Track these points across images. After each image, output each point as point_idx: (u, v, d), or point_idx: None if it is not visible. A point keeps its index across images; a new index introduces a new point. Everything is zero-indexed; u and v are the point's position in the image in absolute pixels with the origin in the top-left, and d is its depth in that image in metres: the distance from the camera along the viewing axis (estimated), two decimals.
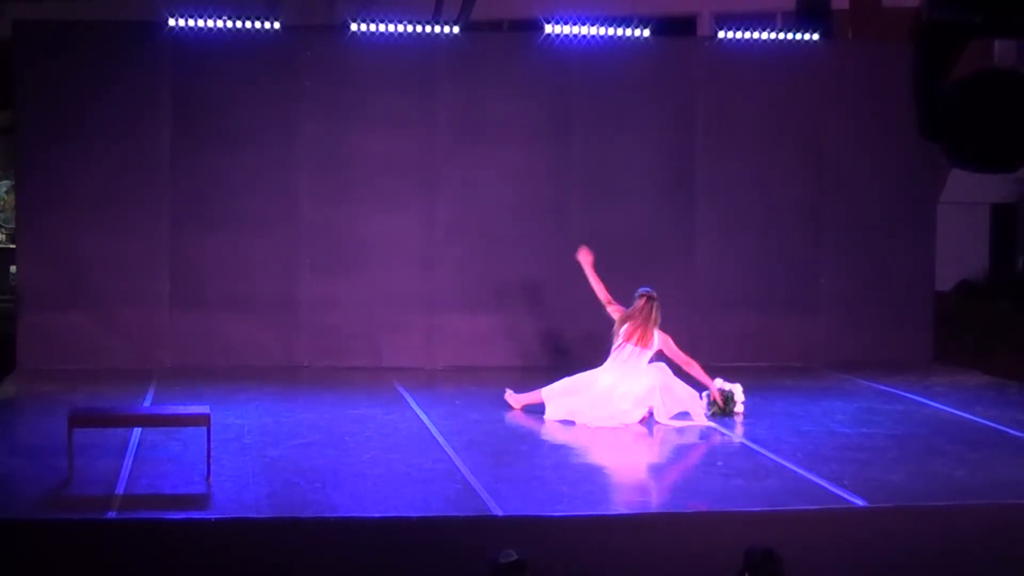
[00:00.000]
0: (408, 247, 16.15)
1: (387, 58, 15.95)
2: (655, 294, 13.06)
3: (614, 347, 13.06)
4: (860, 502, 10.06)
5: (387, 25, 15.89)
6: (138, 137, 15.66)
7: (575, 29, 16.15)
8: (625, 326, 12.98)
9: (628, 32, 16.33)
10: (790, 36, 16.72)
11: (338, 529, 9.37)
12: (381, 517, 9.58)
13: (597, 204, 16.36)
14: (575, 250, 16.34)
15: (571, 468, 11.30)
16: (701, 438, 12.44)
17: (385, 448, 11.71)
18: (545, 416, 12.96)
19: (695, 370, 13.12)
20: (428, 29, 16.05)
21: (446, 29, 16.13)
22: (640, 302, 13.00)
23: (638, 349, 12.94)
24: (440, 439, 12.08)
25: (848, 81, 16.72)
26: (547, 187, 16.36)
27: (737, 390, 13.26)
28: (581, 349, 15.86)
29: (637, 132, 16.43)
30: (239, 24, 15.62)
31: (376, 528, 9.44)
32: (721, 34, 16.59)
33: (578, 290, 16.32)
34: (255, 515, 9.61)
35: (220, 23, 15.59)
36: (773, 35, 16.62)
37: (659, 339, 12.96)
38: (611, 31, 16.27)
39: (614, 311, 13.18)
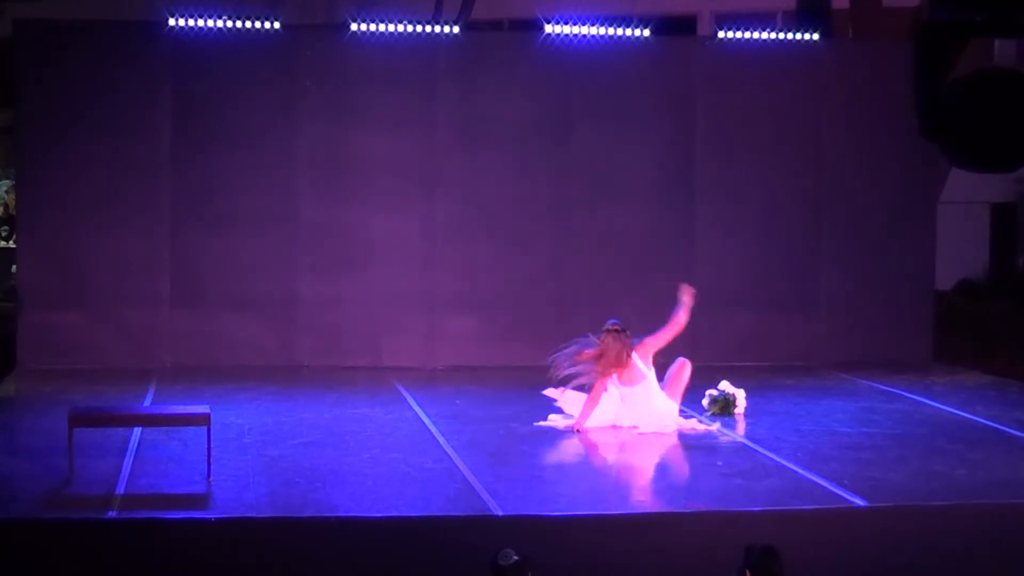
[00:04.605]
0: (408, 247, 16.15)
1: (387, 58, 15.96)
2: (618, 327, 12.52)
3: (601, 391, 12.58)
4: (860, 502, 10.06)
5: (387, 25, 15.89)
6: (138, 137, 15.66)
7: (575, 29, 16.15)
8: (601, 370, 12.44)
9: (628, 32, 16.33)
10: (790, 36, 16.72)
11: (338, 529, 9.37)
12: (381, 517, 9.58)
13: (597, 204, 16.36)
14: (574, 248, 16.41)
15: (571, 468, 11.30)
16: (701, 438, 12.43)
17: (385, 448, 11.71)
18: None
19: (676, 327, 12.64)
20: (428, 29, 16.06)
21: (446, 29, 16.13)
22: (607, 340, 12.43)
23: (627, 388, 12.52)
24: (440, 439, 12.08)
25: (848, 81, 16.72)
26: (547, 187, 16.36)
27: (740, 395, 13.26)
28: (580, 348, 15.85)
29: (637, 132, 16.42)
30: (239, 24, 15.62)
31: (376, 528, 9.44)
32: (721, 34, 16.59)
33: (577, 289, 16.37)
34: (255, 515, 9.61)
35: (220, 23, 15.59)
36: (773, 35, 16.62)
37: (643, 360, 12.51)
38: (611, 31, 16.27)
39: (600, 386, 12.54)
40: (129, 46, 15.73)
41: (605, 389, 12.56)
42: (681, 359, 12.98)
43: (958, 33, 8.70)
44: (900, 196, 16.90)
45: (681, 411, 12.83)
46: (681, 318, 12.68)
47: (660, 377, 12.91)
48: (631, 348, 12.46)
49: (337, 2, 22.97)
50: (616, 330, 12.48)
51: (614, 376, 12.48)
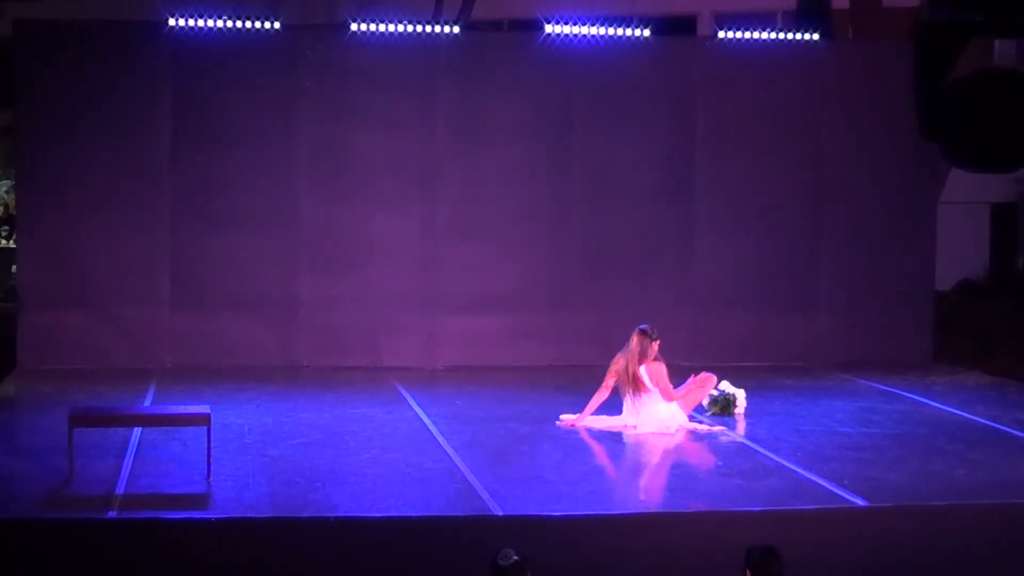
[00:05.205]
0: (408, 247, 16.14)
1: (387, 58, 15.95)
2: (647, 329, 12.55)
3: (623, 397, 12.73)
4: (860, 502, 10.07)
5: (387, 25, 15.89)
6: (138, 137, 15.66)
7: (575, 29, 16.14)
8: (620, 374, 12.54)
9: (628, 32, 16.33)
10: (790, 36, 16.72)
11: (338, 529, 9.37)
12: (381, 517, 9.59)
13: (597, 204, 16.36)
14: (575, 248, 16.41)
15: (571, 468, 11.30)
16: (701, 438, 12.43)
17: (385, 448, 11.72)
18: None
19: (683, 401, 12.81)
20: (428, 29, 16.05)
21: (446, 29, 16.13)
22: (633, 338, 12.53)
23: (637, 398, 12.53)
24: (440, 439, 12.08)
25: (848, 81, 16.72)
26: (547, 187, 16.36)
27: (740, 395, 13.27)
28: (581, 348, 15.87)
29: (637, 132, 16.42)
30: (239, 24, 15.62)
31: (376, 528, 9.44)
32: (721, 34, 16.59)
33: (577, 289, 16.37)
34: (255, 515, 9.62)
35: (220, 23, 15.59)
36: (773, 35, 16.62)
37: (651, 376, 12.50)
38: (611, 31, 16.27)
39: (611, 378, 12.65)
40: (129, 46, 15.73)
41: (607, 390, 12.61)
42: (708, 373, 13.00)
43: (958, 33, 8.69)
44: (900, 196, 16.90)
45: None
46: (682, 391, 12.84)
47: (681, 382, 12.90)
48: (646, 355, 12.46)
49: (337, 2, 22.98)
50: (643, 331, 12.53)
51: (620, 378, 12.55)
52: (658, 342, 12.56)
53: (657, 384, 12.53)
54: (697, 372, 13.12)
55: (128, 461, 10.90)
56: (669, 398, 12.60)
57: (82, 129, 15.51)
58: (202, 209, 15.80)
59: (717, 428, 12.65)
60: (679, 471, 11.78)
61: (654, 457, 12.02)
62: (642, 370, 12.49)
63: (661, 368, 12.57)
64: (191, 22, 15.55)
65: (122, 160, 15.64)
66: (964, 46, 8.77)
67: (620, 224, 16.41)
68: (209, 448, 10.48)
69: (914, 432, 12.70)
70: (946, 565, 9.64)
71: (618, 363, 12.58)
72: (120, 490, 10.11)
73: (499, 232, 16.24)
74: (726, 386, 13.30)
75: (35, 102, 15.53)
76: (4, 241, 21.38)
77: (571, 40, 16.17)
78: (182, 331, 15.77)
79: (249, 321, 15.89)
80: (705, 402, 13.23)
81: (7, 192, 21.59)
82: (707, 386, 13.00)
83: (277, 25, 15.72)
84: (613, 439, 12.30)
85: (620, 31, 16.31)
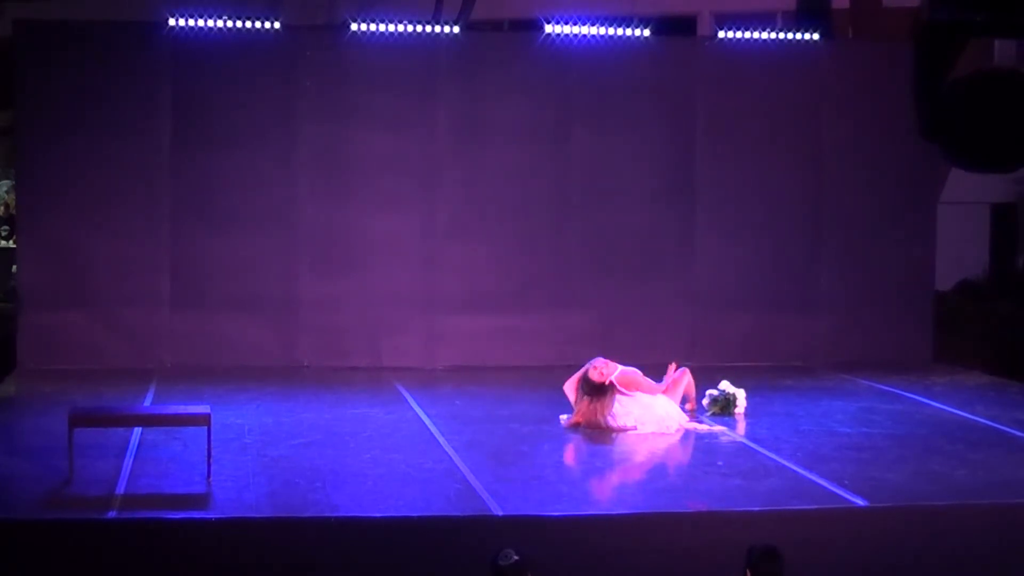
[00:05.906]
0: (408, 247, 16.14)
1: (387, 58, 15.96)
2: (600, 380, 12.46)
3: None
4: (860, 502, 10.07)
5: (387, 25, 15.89)
6: (138, 137, 15.66)
7: (575, 29, 16.15)
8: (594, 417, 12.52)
9: (628, 32, 16.33)
10: (790, 36, 16.72)
11: (338, 529, 9.37)
12: (381, 517, 9.59)
13: (597, 204, 16.36)
14: (574, 248, 16.41)
15: (571, 468, 11.29)
16: (701, 438, 12.43)
17: (385, 448, 11.72)
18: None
19: (669, 394, 12.90)
20: (428, 29, 16.06)
21: (446, 29, 16.13)
22: (584, 403, 12.50)
23: (622, 408, 12.53)
24: (440, 439, 12.08)
25: (848, 81, 16.72)
26: (547, 187, 16.36)
27: (740, 395, 13.27)
28: (581, 348, 15.85)
29: (637, 132, 16.42)
30: (239, 24, 15.62)
31: (376, 528, 9.45)
32: (721, 34, 16.60)
33: (577, 289, 16.37)
34: (255, 515, 9.62)
35: (220, 23, 15.59)
36: (773, 35, 16.62)
37: (628, 387, 12.52)
38: (611, 31, 16.27)
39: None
40: (129, 46, 15.73)
41: (577, 384, 12.64)
42: (681, 369, 13.02)
43: (958, 33, 8.70)
44: (900, 196, 16.90)
45: (683, 410, 12.88)
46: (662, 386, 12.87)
47: (660, 377, 12.96)
48: (608, 403, 12.46)
49: (337, 2, 22.97)
50: (594, 390, 12.45)
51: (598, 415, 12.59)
52: (611, 374, 12.47)
53: (638, 389, 12.54)
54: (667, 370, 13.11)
55: (128, 461, 10.90)
56: (654, 393, 12.61)
57: (82, 129, 15.51)
58: (202, 209, 15.81)
59: (717, 428, 12.66)
60: (679, 471, 11.78)
61: (654, 457, 12.01)
62: (619, 390, 12.52)
63: (632, 376, 12.59)
64: (191, 22, 15.55)
65: (122, 160, 15.64)
66: (964, 46, 8.77)
67: (620, 224, 16.41)
68: (209, 448, 10.48)
69: (914, 432, 12.70)
70: (946, 565, 9.64)
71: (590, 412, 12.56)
72: (120, 490, 10.11)
73: (499, 232, 16.25)
74: (726, 386, 13.31)
75: (35, 102, 15.53)
76: (4, 241, 21.37)
77: (571, 40, 16.18)
78: (182, 331, 15.77)
79: (249, 321, 15.90)
80: (705, 402, 13.25)
81: (7, 192, 21.58)
82: (683, 380, 12.98)
83: (277, 25, 15.72)
84: (612, 439, 12.30)
85: (620, 31, 16.31)
